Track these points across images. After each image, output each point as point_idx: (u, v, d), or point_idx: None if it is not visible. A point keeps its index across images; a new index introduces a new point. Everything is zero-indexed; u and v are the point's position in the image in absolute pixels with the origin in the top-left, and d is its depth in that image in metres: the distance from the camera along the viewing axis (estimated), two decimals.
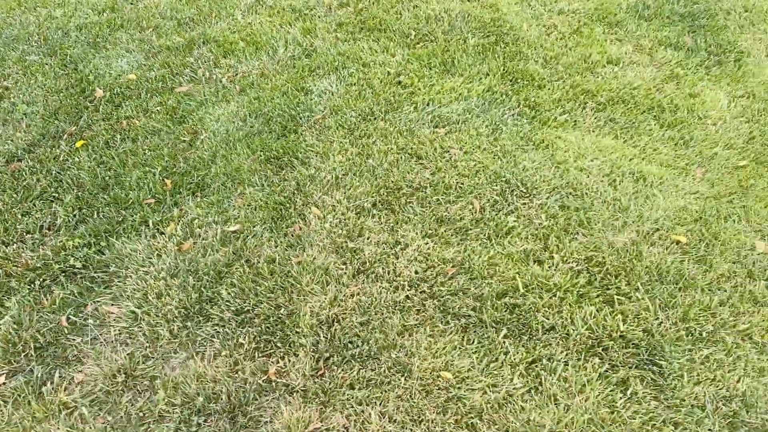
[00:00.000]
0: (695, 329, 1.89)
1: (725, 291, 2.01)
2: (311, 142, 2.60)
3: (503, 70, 3.01)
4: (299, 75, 3.03)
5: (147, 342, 1.93)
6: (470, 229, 2.22)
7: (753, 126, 2.67)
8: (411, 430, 1.69)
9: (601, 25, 3.34)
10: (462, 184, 2.40)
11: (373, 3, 3.59)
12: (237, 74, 3.07)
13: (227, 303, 2.00)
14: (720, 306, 1.96)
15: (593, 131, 2.66)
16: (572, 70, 3.01)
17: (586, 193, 2.35)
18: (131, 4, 3.70)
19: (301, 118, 2.74)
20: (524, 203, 2.32)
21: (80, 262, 2.15)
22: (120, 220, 2.31)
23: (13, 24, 3.61)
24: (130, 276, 2.10)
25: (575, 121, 2.72)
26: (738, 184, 2.40)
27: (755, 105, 2.78)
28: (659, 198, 2.33)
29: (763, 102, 2.80)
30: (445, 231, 2.22)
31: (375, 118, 2.74)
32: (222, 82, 3.01)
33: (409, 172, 2.45)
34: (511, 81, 2.95)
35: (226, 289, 2.04)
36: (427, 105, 2.81)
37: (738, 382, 1.77)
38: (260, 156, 2.53)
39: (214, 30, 3.41)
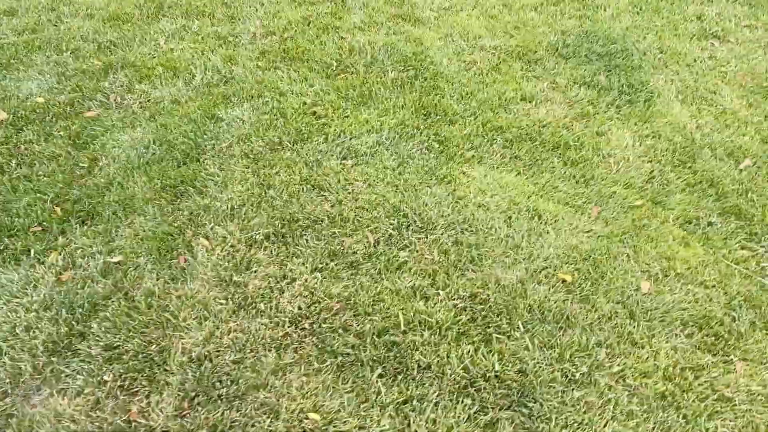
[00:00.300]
0: (570, 370, 1.89)
1: (605, 331, 2.01)
2: (212, 170, 2.57)
3: (418, 104, 3.02)
4: (213, 102, 3.00)
5: (8, 378, 1.85)
6: (362, 264, 2.20)
7: (654, 166, 2.72)
8: None
9: (520, 63, 3.39)
10: (360, 217, 2.38)
11: (300, 33, 3.59)
12: (149, 100, 3.03)
13: (97, 338, 1.94)
14: (597, 347, 1.96)
15: (498, 167, 2.67)
16: (486, 106, 3.04)
17: (481, 230, 2.35)
18: (54, 25, 3.64)
19: (206, 146, 2.71)
20: (419, 238, 2.31)
21: None
22: (1, 248, 2.23)
23: None
24: (1, 307, 2.03)
25: (482, 156, 2.73)
26: (632, 223, 2.43)
27: (659, 145, 2.84)
28: (552, 236, 2.34)
29: (667, 142, 2.86)
30: (336, 265, 2.19)
31: (283, 148, 2.72)
32: (132, 108, 2.97)
33: (309, 204, 2.43)
34: (424, 115, 2.96)
35: (98, 323, 1.97)
36: (339, 136, 2.80)
37: (605, 426, 1.76)
38: (157, 184, 2.49)
39: (134, 55, 3.37)
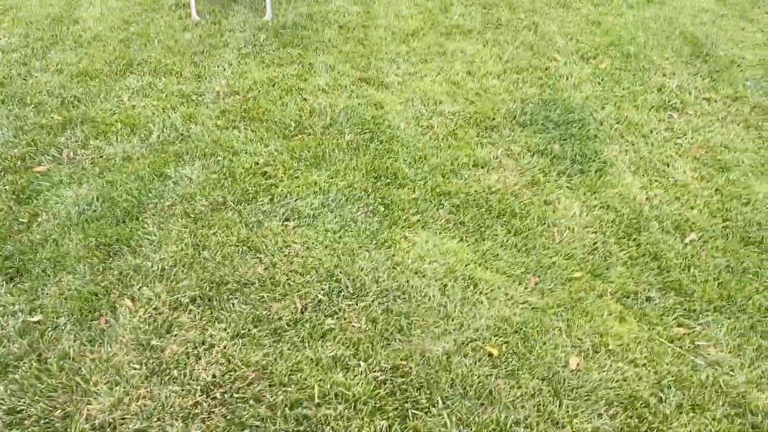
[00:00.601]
0: None
1: (526, 409, 1.95)
2: (150, 230, 2.56)
3: (370, 167, 3.03)
4: (165, 160, 3.02)
5: None
6: (286, 331, 2.16)
7: (598, 237, 2.71)
8: None
9: (476, 129, 3.42)
10: (292, 281, 2.36)
11: (263, 93, 3.64)
12: (102, 156, 3.04)
13: (2, 401, 1.88)
14: (515, 425, 1.90)
15: (441, 233, 2.66)
16: (437, 171, 3.05)
17: (415, 297, 2.32)
18: (23, 79, 3.70)
19: (148, 205, 2.70)
20: (349, 304, 2.28)
21: None
22: None
23: None
24: None
25: (426, 222, 2.72)
26: (568, 295, 2.40)
27: (606, 216, 2.83)
28: (486, 306, 2.31)
29: (614, 213, 2.85)
30: (259, 331, 2.15)
31: (226, 208, 2.72)
32: (83, 164, 2.98)
33: (242, 266, 2.41)
34: (375, 178, 2.97)
35: (5, 385, 1.92)
36: (285, 197, 2.80)
37: None
38: (92, 242, 2.47)
39: (96, 110, 3.41)
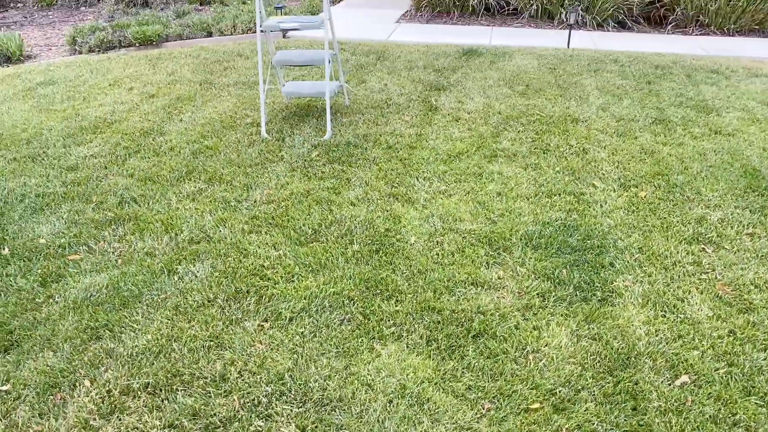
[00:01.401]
0: None
1: None
2: (136, 318, 2.77)
3: (366, 277, 3.11)
4: (181, 257, 3.29)
5: None
6: (217, 427, 2.21)
7: (575, 369, 2.54)
8: None
9: (487, 248, 3.40)
10: (242, 379, 2.42)
11: (296, 203, 3.89)
12: (130, 250, 3.38)
13: None
14: None
15: (408, 348, 2.63)
16: (432, 287, 3.05)
17: (354, 410, 2.29)
18: (98, 181, 4.25)
19: (146, 296, 2.94)
20: (285, 409, 2.29)
21: None
22: None
23: None
24: None
25: (399, 335, 2.71)
26: (518, 427, 2.25)
27: (593, 348, 2.66)
28: (424, 428, 2.22)
29: (603, 346, 2.67)
30: (191, 425, 2.22)
31: (213, 305, 2.89)
32: (111, 255, 3.33)
33: (203, 360, 2.53)
34: (366, 288, 3.03)
35: None
36: (271, 299, 2.93)
37: None
38: (83, 324, 2.72)
39: (144, 210, 3.82)
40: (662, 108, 5.37)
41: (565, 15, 7.46)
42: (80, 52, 7.77)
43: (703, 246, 3.41)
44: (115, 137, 4.94)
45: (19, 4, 12.04)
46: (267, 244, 3.43)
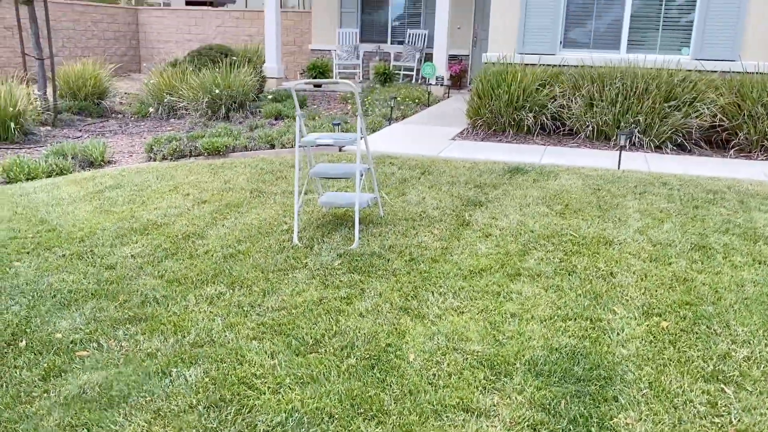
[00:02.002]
0: None
1: None
2: (115, 419, 2.82)
3: (354, 393, 3.05)
4: (180, 359, 3.36)
5: None
6: None
7: None
8: None
9: (488, 371, 3.27)
10: None
11: (306, 311, 3.93)
12: (136, 350, 3.49)
13: None
14: None
15: None
16: (419, 409, 2.95)
17: None
18: (130, 281, 4.47)
19: (132, 397, 3.00)
20: None
21: None
22: None
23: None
24: None
25: None
26: None
27: None
28: None
29: None
30: None
31: (193, 411, 2.90)
32: (116, 354, 3.44)
33: None
34: (351, 405, 2.96)
35: None
36: (251, 411, 2.91)
37: None
38: (65, 422, 2.79)
39: (162, 311, 3.96)
40: (705, 234, 5.15)
41: (623, 137, 7.45)
42: (154, 159, 8.43)
43: (722, 385, 3.14)
44: (158, 239, 5.23)
45: (119, 115, 13.33)
46: (266, 351, 3.46)
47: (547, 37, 9.72)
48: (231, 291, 4.26)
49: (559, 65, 9.60)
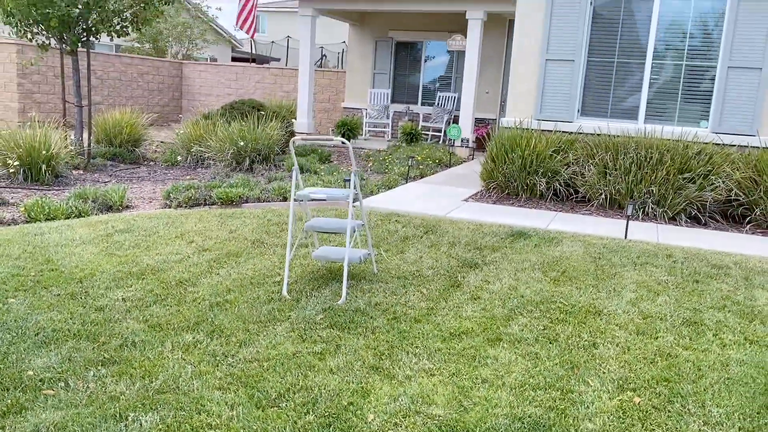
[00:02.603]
0: None
1: None
2: None
3: None
4: (141, 404, 3.39)
5: None
6: None
7: None
8: None
9: None
10: None
11: (277, 365, 3.94)
12: (102, 391, 3.53)
13: None
14: None
15: None
16: None
17: None
18: (115, 323, 4.55)
19: None
20: None
21: None
22: None
23: None
24: None
25: None
26: None
27: None
28: None
29: None
30: None
31: None
32: (80, 395, 3.49)
33: None
34: None
35: None
36: None
37: None
38: None
39: (136, 355, 4.02)
40: (700, 309, 5.01)
41: (631, 207, 7.39)
42: (170, 206, 8.67)
43: None
44: (152, 284, 5.34)
45: (151, 163, 13.80)
46: (227, 402, 3.46)
47: (564, 105, 9.82)
48: (209, 339, 4.30)
49: (576, 132, 9.65)
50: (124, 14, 12.34)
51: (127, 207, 8.80)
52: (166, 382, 3.68)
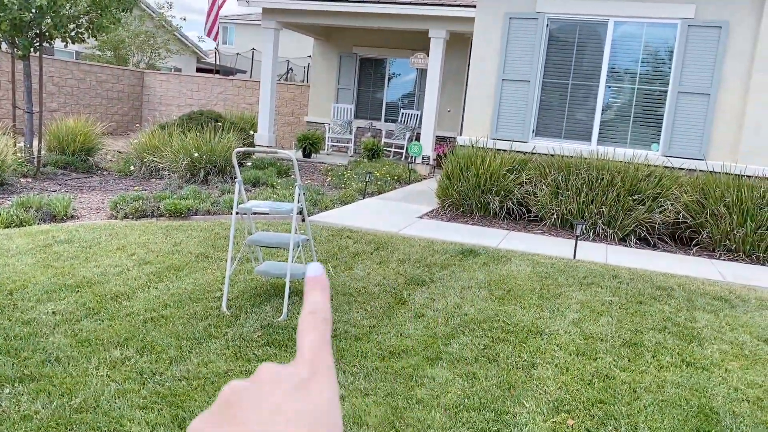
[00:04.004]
0: None
1: None
2: None
3: None
4: (55, 424, 3.22)
5: None
6: None
7: None
8: None
9: None
10: None
11: (208, 384, 3.80)
12: (16, 410, 3.35)
13: None
14: None
15: None
16: None
17: None
18: (41, 338, 4.36)
19: None
20: None
21: None
22: None
23: None
24: None
25: None
26: None
27: None
28: None
29: None
30: None
31: None
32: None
33: None
34: None
35: None
36: None
37: None
38: None
39: (59, 371, 3.83)
40: (641, 331, 5.03)
41: (580, 227, 7.45)
42: (116, 218, 8.43)
43: None
44: (86, 297, 5.14)
45: (104, 172, 13.46)
46: (147, 422, 3.31)
47: (519, 125, 9.91)
48: (138, 356, 4.13)
49: (530, 152, 9.74)
50: (80, 20, 12.09)
51: (72, 217, 8.52)
52: (87, 400, 3.51)
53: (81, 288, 5.35)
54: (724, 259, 8.04)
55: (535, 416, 3.62)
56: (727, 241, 8.19)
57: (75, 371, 3.86)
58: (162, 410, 3.46)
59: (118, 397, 3.57)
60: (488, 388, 3.94)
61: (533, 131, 10.02)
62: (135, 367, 3.96)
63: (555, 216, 8.87)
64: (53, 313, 4.79)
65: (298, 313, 5.01)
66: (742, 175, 8.62)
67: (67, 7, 11.41)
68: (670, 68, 9.43)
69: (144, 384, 3.76)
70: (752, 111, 8.95)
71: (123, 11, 12.27)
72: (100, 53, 26.19)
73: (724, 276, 7.07)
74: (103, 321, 4.68)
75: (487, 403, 3.75)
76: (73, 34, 12.05)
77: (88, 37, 12.41)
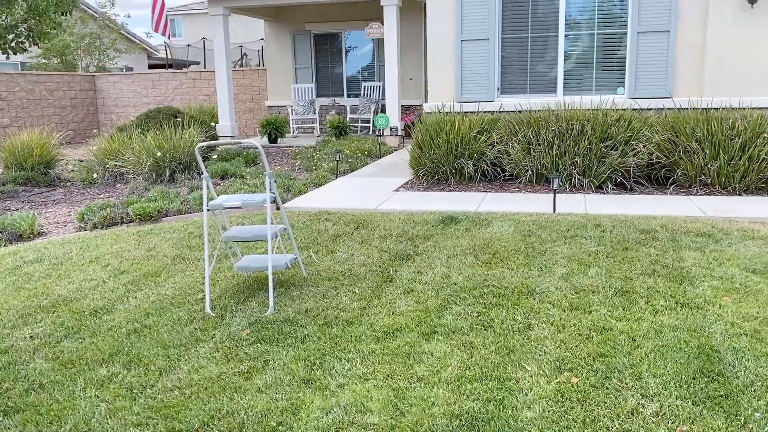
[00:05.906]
0: None
1: None
2: None
3: None
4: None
5: None
6: None
7: None
8: None
9: None
10: None
11: (201, 389, 3.68)
12: None
13: None
14: None
15: None
16: None
17: None
18: (22, 365, 4.18)
19: None
20: None
21: None
22: None
23: None
24: None
25: None
26: None
27: None
28: None
29: None
30: None
31: None
32: None
33: None
34: None
35: None
36: None
37: None
38: None
39: (45, 398, 3.67)
40: (630, 278, 5.01)
41: (556, 180, 7.40)
42: (85, 229, 8.17)
43: None
44: (63, 317, 4.94)
45: (67, 183, 13.06)
46: (137, 425, 3.19)
47: (483, 85, 9.79)
48: (126, 371, 3.98)
49: (498, 111, 9.63)
50: (19, 29, 11.59)
51: (40, 234, 8.23)
52: (77, 425, 3.36)
53: (57, 307, 5.15)
54: (702, 195, 8.07)
55: (538, 379, 3.57)
56: (703, 176, 8.22)
57: (61, 396, 3.70)
58: (157, 425, 3.33)
59: (110, 417, 3.43)
60: (487, 356, 3.87)
61: (498, 89, 9.90)
62: (124, 384, 3.81)
63: (530, 172, 8.81)
64: (31, 337, 4.59)
65: (285, 305, 4.89)
66: (710, 108, 8.63)
67: (3, 17, 10.92)
68: (627, 9, 9.34)
69: (135, 400, 3.61)
70: (713, 45, 8.93)
71: (62, 14, 11.80)
72: (46, 61, 25.34)
73: (704, 211, 7.09)
74: (84, 339, 4.51)
75: (489, 371, 3.69)
76: (13, 44, 11.58)
77: (30, 46, 11.94)
